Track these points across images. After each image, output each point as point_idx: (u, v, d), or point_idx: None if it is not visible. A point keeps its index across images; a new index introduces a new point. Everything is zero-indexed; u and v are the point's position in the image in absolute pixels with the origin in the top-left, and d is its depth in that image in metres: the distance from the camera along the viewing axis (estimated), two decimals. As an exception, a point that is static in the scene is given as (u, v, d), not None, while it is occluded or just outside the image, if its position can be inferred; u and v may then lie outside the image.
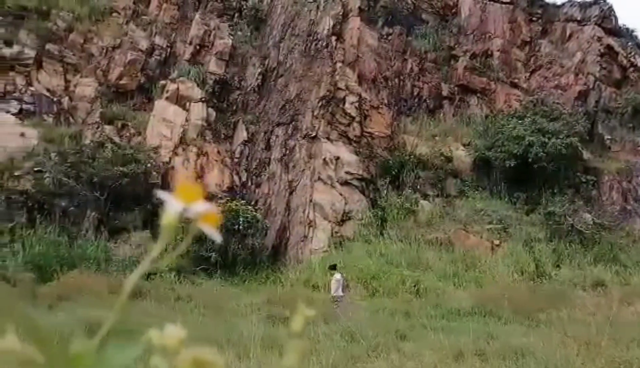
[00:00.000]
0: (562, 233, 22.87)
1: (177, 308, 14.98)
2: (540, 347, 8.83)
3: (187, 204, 0.65)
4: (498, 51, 30.87)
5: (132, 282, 0.64)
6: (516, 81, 30.32)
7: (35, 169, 21.43)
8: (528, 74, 30.64)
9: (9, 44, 24.57)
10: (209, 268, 20.06)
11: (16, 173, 21.50)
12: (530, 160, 24.58)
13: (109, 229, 21.48)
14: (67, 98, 24.89)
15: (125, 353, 0.58)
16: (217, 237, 0.67)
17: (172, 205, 0.65)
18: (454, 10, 32.78)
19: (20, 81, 24.25)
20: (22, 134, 22.49)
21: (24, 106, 23.69)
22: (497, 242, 22.45)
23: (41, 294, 15.47)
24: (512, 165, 24.87)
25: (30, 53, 24.72)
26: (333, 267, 16.87)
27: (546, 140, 24.56)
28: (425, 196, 24.82)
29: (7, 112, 23.16)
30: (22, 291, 15.90)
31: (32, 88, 24.30)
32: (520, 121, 25.82)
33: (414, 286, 18.80)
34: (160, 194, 0.66)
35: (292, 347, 0.68)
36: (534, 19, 31.97)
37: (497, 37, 31.20)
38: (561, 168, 25.33)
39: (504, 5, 31.87)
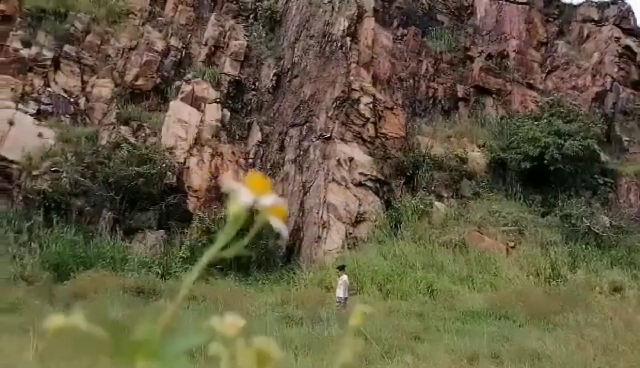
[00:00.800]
0: (579, 236, 22.64)
1: (191, 307, 15.05)
2: (556, 351, 8.75)
3: (256, 196, 0.65)
4: (514, 51, 30.64)
5: (194, 275, 0.65)
6: (532, 82, 30.08)
7: (53, 169, 21.68)
8: (544, 75, 30.38)
9: (27, 45, 24.87)
10: (223, 267, 20.14)
11: (34, 173, 21.76)
12: (546, 162, 24.36)
13: (125, 229, 21.66)
14: (83, 99, 25.14)
15: (189, 339, 0.59)
16: (284, 231, 0.67)
17: (242, 195, 0.64)
18: (469, 11, 32.60)
19: (38, 81, 24.54)
20: (40, 135, 22.75)
21: (42, 107, 23.97)
22: (512, 244, 22.27)
23: (58, 293, 15.64)
24: (527, 167, 24.67)
25: (48, 54, 25.01)
26: (341, 268, 16.86)
27: (562, 142, 24.33)
28: (439, 198, 24.70)
29: (26, 112, 23.45)
30: (39, 290, 16.08)
31: (49, 89, 24.57)
32: (536, 123, 25.60)
33: (428, 288, 18.72)
34: (230, 184, 0.65)
35: (348, 344, 0.68)
36: (550, 19, 31.70)
37: (513, 37, 30.97)
38: (578, 170, 25.09)
39: (520, 6, 31.63)
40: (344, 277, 16.06)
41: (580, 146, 24.36)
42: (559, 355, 8.54)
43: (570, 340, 10.24)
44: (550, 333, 11.89)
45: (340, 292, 15.74)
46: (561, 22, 31.90)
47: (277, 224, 0.65)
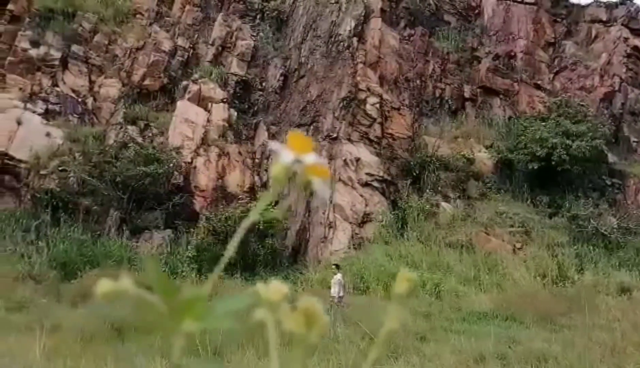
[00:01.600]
0: (586, 237, 22.53)
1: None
2: (563, 352, 8.71)
3: (297, 155, 0.63)
4: (521, 52, 30.53)
5: (236, 242, 0.63)
6: (540, 82, 29.96)
7: (60, 168, 21.78)
8: (552, 76, 30.25)
9: (35, 45, 25.00)
10: (229, 267, 20.16)
11: (42, 172, 21.87)
12: (553, 163, 24.26)
13: (131, 228, 21.73)
14: (91, 99, 25.25)
15: (235, 302, 0.59)
16: (326, 191, 0.65)
17: (283, 155, 0.63)
18: (476, 11, 32.51)
19: (46, 81, 24.67)
20: (48, 134, 22.87)
21: (50, 107, 24.08)
22: (519, 245, 22.19)
23: (65, 292, 15.71)
24: (535, 167, 24.58)
25: (56, 54, 25.13)
26: (337, 266, 16.86)
27: (570, 142, 24.22)
28: (446, 198, 24.64)
29: (34, 112, 23.57)
30: (46, 288, 16.17)
31: (57, 89, 24.69)
32: (543, 123, 25.50)
33: (435, 288, 18.68)
34: (273, 145, 0.64)
35: (391, 314, 0.66)
36: (558, 19, 31.57)
37: (520, 38, 30.86)
38: (585, 171, 24.98)
39: (527, 6, 31.52)
40: (338, 276, 16.04)
41: (588, 147, 24.25)
42: (566, 357, 8.50)
43: (578, 341, 10.19)
44: (557, 335, 11.84)
45: (334, 291, 15.67)
46: (569, 22, 31.76)
47: (318, 184, 0.63)
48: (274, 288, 0.61)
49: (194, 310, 0.57)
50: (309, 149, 0.64)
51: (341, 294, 15.65)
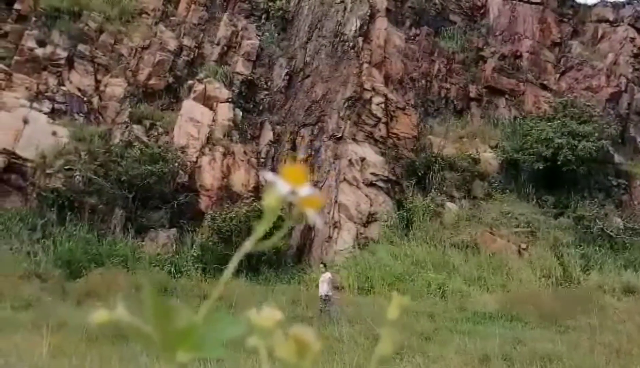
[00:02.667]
0: (592, 238, 22.45)
1: (202, 306, 15.09)
2: (568, 354, 8.68)
3: (293, 187, 0.64)
4: (527, 52, 30.43)
5: (235, 263, 0.64)
6: (546, 82, 29.86)
7: (66, 167, 21.85)
8: (558, 76, 30.14)
9: (42, 44, 25.09)
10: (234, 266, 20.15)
11: (48, 171, 21.95)
12: (559, 163, 24.18)
13: (137, 227, 21.78)
14: (97, 98, 25.32)
15: (230, 329, 0.59)
16: (319, 221, 0.66)
17: (279, 186, 0.64)
18: (482, 11, 32.42)
19: (52, 80, 24.75)
20: (54, 133, 22.94)
21: (56, 106, 24.17)
22: (524, 246, 22.13)
23: (70, 290, 15.77)
24: (540, 168, 24.50)
25: (63, 53, 25.21)
26: (325, 265, 16.86)
27: (576, 143, 24.13)
28: (451, 198, 24.60)
29: (40, 111, 23.65)
30: (52, 287, 16.23)
31: (63, 88, 24.77)
32: (549, 123, 25.41)
33: (439, 288, 18.66)
34: (268, 175, 0.65)
35: (386, 336, 0.68)
36: (564, 19, 31.45)
37: (526, 38, 30.76)
38: (591, 171, 24.89)
39: (533, 6, 31.41)
40: (327, 274, 16.02)
41: (594, 147, 24.16)
42: (571, 358, 8.47)
43: (583, 343, 10.16)
44: (562, 336, 11.80)
45: (323, 289, 15.64)
46: (575, 22, 31.64)
47: (312, 215, 0.65)
48: (267, 315, 0.61)
49: (187, 341, 0.57)
50: (303, 180, 0.65)
51: (329, 293, 15.61)
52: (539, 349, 9.53)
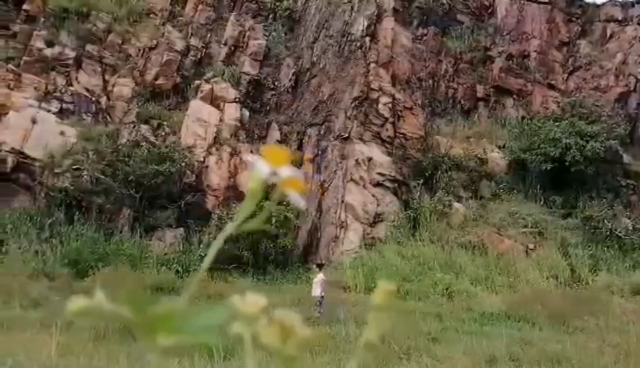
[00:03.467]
0: (600, 238, 22.34)
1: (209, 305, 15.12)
2: (577, 355, 8.63)
3: (273, 168, 0.63)
4: (535, 51, 30.30)
5: (213, 253, 0.63)
6: (554, 82, 29.73)
7: (74, 167, 21.94)
8: (566, 76, 30.00)
9: (50, 44, 25.22)
10: (241, 266, 20.23)
11: (56, 171, 22.06)
12: (567, 163, 24.06)
13: (144, 226, 21.85)
14: (105, 98, 25.41)
15: (212, 315, 0.58)
16: (302, 203, 0.65)
17: (259, 167, 0.63)
18: (490, 11, 32.32)
19: (60, 80, 24.87)
20: (62, 133, 23.05)
21: (64, 106, 24.28)
22: (531, 246, 22.05)
23: (78, 289, 15.83)
24: (548, 168, 24.38)
25: (71, 54, 25.33)
26: (320, 266, 16.79)
27: (584, 143, 24.01)
28: (458, 199, 24.53)
29: (48, 111, 23.77)
30: (60, 286, 16.30)
31: (71, 88, 24.89)
32: (557, 123, 25.30)
33: (446, 289, 18.62)
34: (250, 157, 0.64)
35: (373, 320, 0.65)
36: (573, 19, 31.30)
37: (534, 37, 30.63)
38: (600, 172, 24.76)
39: (541, 5, 31.28)
40: (320, 275, 15.97)
41: (602, 148, 24.03)
42: (580, 359, 8.42)
43: (591, 344, 10.10)
44: (570, 337, 11.75)
45: (316, 291, 15.58)
46: (584, 21, 31.47)
47: (293, 196, 0.64)
48: (252, 300, 0.60)
49: (167, 324, 0.56)
50: (285, 161, 0.64)
51: (322, 294, 15.54)
52: (547, 350, 9.48)
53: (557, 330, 13.12)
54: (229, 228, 0.62)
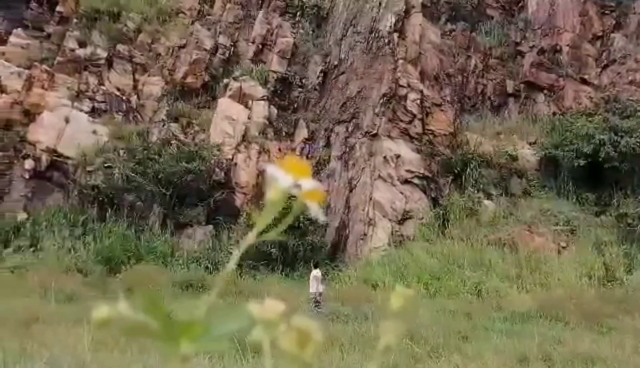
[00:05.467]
0: (635, 236, 21.79)
1: (237, 302, 15.26)
2: (611, 355, 8.44)
3: (295, 179, 0.63)
4: (567, 46, 29.69)
5: (235, 261, 0.64)
6: (586, 77, 29.09)
7: (106, 165, 22.34)
8: (600, 70, 29.33)
9: (82, 45, 25.70)
10: (269, 263, 20.34)
11: (88, 169, 22.49)
12: (600, 159, 23.54)
13: (174, 224, 22.13)
14: (135, 97, 25.79)
15: (232, 323, 0.59)
16: (321, 216, 0.65)
17: (280, 179, 0.63)
18: (520, 5, 31.78)
19: (92, 80, 25.33)
20: (94, 132, 23.49)
21: (96, 105, 24.74)
22: (563, 244, 21.64)
23: (110, 285, 16.13)
24: (581, 164, 23.88)
25: (102, 54, 25.77)
26: (316, 264, 16.74)
27: (619, 139, 23.46)
28: (488, 196, 24.21)
29: (81, 110, 24.25)
30: (93, 281, 16.64)
31: (103, 87, 25.33)
32: (590, 119, 24.77)
33: (476, 287, 18.41)
34: (269, 168, 0.64)
35: (389, 328, 0.66)
36: (606, 12, 30.56)
37: (566, 31, 30.01)
38: (635, 168, 24.15)
39: (574, -1, 30.62)
40: (314, 271, 15.90)
41: (637, 143, 23.44)
42: (615, 360, 8.23)
43: (626, 344, 9.87)
44: (604, 337, 11.50)
45: (313, 287, 15.50)
46: (618, 14, 30.69)
47: (314, 208, 0.64)
48: (270, 307, 0.61)
49: (190, 332, 0.57)
50: (306, 173, 0.64)
51: (320, 290, 15.47)
52: (580, 350, 9.30)
53: (590, 330, 12.86)
54: (250, 238, 0.63)
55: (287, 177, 0.63)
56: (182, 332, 0.57)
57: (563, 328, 13.41)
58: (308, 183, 0.63)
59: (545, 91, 29.10)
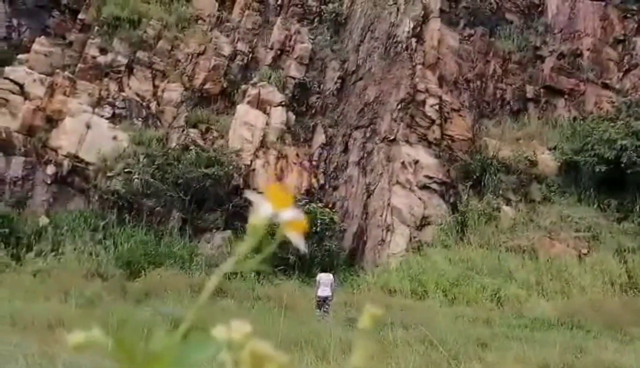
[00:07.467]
0: (659, 243, 21.39)
1: (256, 307, 15.29)
2: (636, 363, 8.29)
3: (276, 209, 0.65)
4: (588, 50, 29.35)
5: (214, 283, 0.66)
6: (608, 81, 28.71)
7: (126, 170, 22.59)
8: (621, 74, 28.93)
9: (103, 52, 26.05)
10: (287, 269, 20.35)
11: (109, 174, 22.75)
12: (623, 165, 23.18)
13: (193, 229, 22.27)
14: (155, 103, 26.06)
15: (204, 350, 0.59)
16: (302, 245, 0.66)
17: (262, 208, 0.65)
18: (540, 9, 31.50)
19: (113, 86, 25.65)
20: (115, 137, 23.77)
21: (116, 111, 25.04)
22: (585, 251, 21.32)
23: (130, 290, 16.27)
24: (602, 170, 23.53)
25: (123, 60, 26.09)
26: (324, 268, 16.64)
27: (641, 144, 23.09)
28: (507, 202, 23.98)
29: (101, 116, 24.56)
30: (113, 286, 16.79)
31: (123, 94, 25.63)
32: (612, 124, 24.41)
33: (495, 294, 18.22)
34: (250, 195, 0.66)
35: (359, 347, 0.67)
36: (628, 15, 30.15)
37: (587, 35, 29.68)
38: (658, 174, 23.72)
39: (595, 2, 30.28)
40: (320, 275, 15.82)
41: (660, 149, 23.05)
42: (638, 369, 8.08)
43: (650, 353, 9.68)
44: (627, 346, 11.30)
45: (325, 291, 15.40)
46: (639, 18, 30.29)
47: (295, 238, 0.65)
48: (237, 328, 0.61)
49: (159, 363, 0.56)
50: (287, 203, 0.65)
51: (324, 295, 15.34)
52: (603, 358, 9.14)
53: (613, 338, 12.64)
54: (228, 265, 0.65)
55: (268, 206, 0.65)
56: (152, 362, 0.56)
57: (585, 336, 13.20)
58: (287, 214, 0.65)
59: (566, 96, 28.77)
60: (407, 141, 24.70)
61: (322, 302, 15.36)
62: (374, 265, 22.11)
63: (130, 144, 23.60)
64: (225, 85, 26.92)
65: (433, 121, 25.04)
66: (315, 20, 29.31)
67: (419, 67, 25.87)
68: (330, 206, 23.54)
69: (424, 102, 25.21)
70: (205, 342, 0.60)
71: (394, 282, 19.44)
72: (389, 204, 23.39)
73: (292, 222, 0.65)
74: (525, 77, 29.24)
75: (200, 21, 28.63)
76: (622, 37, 29.68)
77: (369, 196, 24.26)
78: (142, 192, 22.29)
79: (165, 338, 0.58)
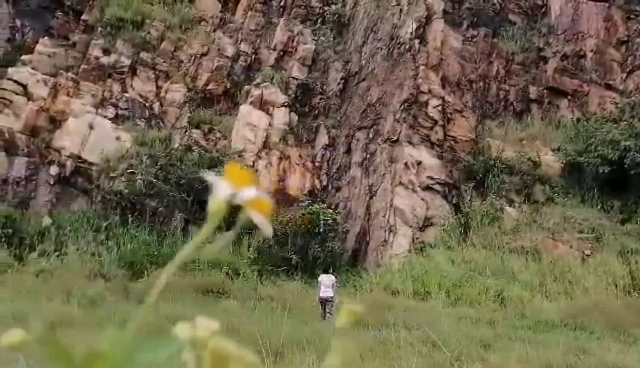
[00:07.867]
0: (662, 245, 21.32)
1: (258, 308, 15.29)
2: (638, 365, 8.26)
3: (236, 189, 0.59)
4: (591, 51, 29.30)
5: (170, 271, 0.60)
6: (611, 82, 28.65)
7: (129, 171, 22.61)
8: (625, 75, 28.86)
9: (107, 53, 26.09)
10: (289, 269, 20.35)
11: (111, 175, 22.78)
12: (626, 166, 23.12)
13: (195, 229, 22.26)
14: (158, 104, 26.09)
15: (158, 350, 0.55)
16: (268, 228, 0.59)
17: (220, 189, 0.59)
18: (543, 10, 31.47)
19: (116, 87, 25.69)
20: (118, 138, 23.80)
21: (120, 112, 25.07)
22: (588, 252, 21.26)
23: (132, 290, 16.27)
24: (606, 171, 23.47)
25: (126, 61, 26.13)
26: (325, 269, 16.62)
27: (645, 145, 23.02)
28: (510, 203, 23.94)
29: (105, 117, 24.60)
30: (115, 286, 16.80)
31: (126, 94, 25.67)
32: (615, 125, 24.36)
33: (498, 295, 18.18)
34: (208, 176, 0.60)
35: (336, 347, 0.61)
36: (632, 16, 30.09)
37: (590, 36, 29.63)
38: (662, 175, 23.66)
39: (598, 4, 30.23)
40: (322, 276, 15.80)
41: (664, 150, 22.98)
42: (642, 370, 8.05)
43: (654, 354, 9.65)
44: (631, 347, 11.26)
45: (329, 292, 15.39)
46: (644, 19, 30.21)
47: (259, 220, 0.59)
48: (203, 326, 0.56)
49: (109, 361, 0.52)
50: (248, 182, 0.59)
51: (326, 295, 15.31)
52: (606, 360, 9.11)
53: (616, 339, 12.61)
54: (185, 253, 0.60)
55: (227, 187, 0.59)
56: (95, 362, 0.52)
57: (588, 337, 13.17)
58: (249, 193, 0.59)
59: (569, 97, 28.72)
60: (410, 142, 24.67)
61: (325, 303, 15.36)
62: (377, 265, 22.08)
63: (133, 144, 23.63)
64: (228, 86, 26.94)
65: (436, 122, 25.01)
66: (318, 21, 29.32)
67: (421, 68, 25.85)
68: (333, 207, 23.53)
69: (426, 103, 25.19)
70: (164, 341, 0.55)
71: (397, 283, 19.42)
72: (391, 205, 23.37)
73: (256, 202, 0.59)
74: (529, 78, 29.21)
75: (203, 22, 28.67)
76: (625, 38, 29.62)
77: (371, 197, 24.24)
78: (145, 193, 22.31)
79: (114, 337, 0.54)
